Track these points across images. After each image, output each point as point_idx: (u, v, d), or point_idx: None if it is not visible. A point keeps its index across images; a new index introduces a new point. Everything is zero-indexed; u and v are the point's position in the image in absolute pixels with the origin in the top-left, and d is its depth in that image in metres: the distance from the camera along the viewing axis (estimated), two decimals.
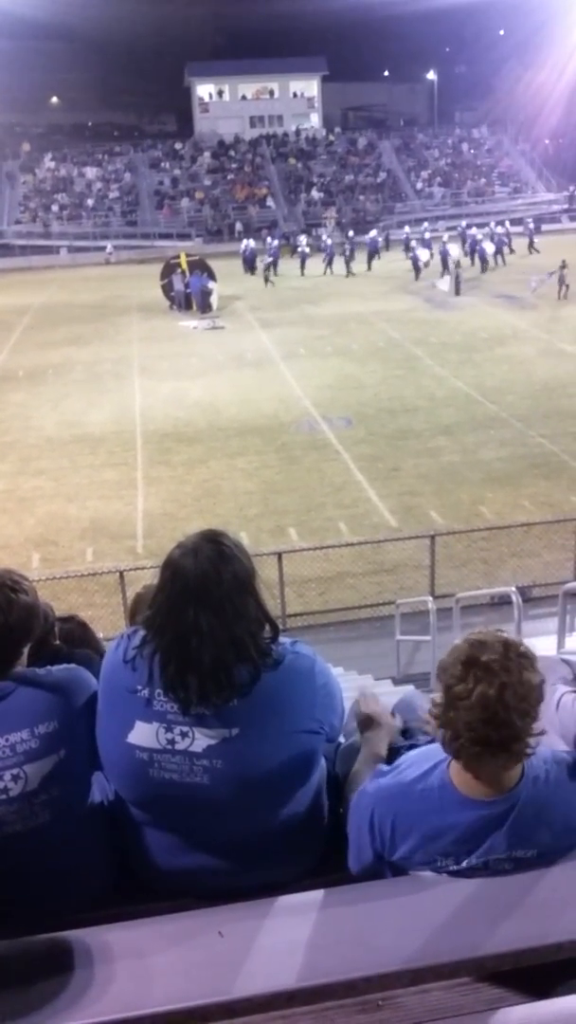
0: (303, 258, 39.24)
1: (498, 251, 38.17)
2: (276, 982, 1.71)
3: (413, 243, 39.26)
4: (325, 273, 38.34)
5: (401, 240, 42.10)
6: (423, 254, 37.29)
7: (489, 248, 37.62)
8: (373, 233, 41.92)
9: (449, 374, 21.81)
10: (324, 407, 19.62)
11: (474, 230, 40.79)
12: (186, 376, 22.95)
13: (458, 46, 68.11)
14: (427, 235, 40.90)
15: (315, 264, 39.06)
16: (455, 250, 37.02)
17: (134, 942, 1.81)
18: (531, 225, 43.49)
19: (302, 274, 38.51)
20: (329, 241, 40.75)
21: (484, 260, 37.21)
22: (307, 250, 39.56)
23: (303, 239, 41.72)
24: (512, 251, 40.41)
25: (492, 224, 42.84)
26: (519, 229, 44.42)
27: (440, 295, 32.66)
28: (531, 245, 40.95)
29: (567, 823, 1.98)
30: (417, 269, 36.32)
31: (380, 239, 41.23)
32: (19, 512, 14.70)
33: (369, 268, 38.73)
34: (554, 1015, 1.69)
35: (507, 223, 42.74)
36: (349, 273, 38.18)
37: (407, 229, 43.14)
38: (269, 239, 41.82)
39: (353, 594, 11.51)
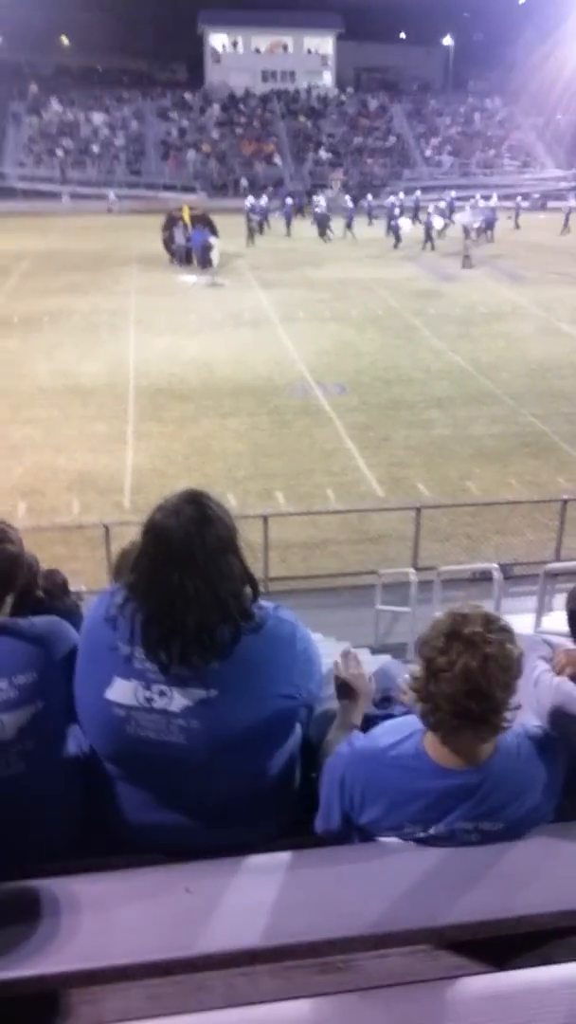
0: (321, 220, 38.58)
1: (488, 227, 37.69)
2: (240, 940, 1.73)
3: (397, 211, 38.39)
4: (345, 236, 38.02)
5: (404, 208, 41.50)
6: (405, 223, 36.89)
7: (437, 223, 36.66)
8: (391, 199, 41.37)
9: (446, 347, 21.69)
10: (319, 372, 19.50)
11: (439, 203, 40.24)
12: (183, 332, 22.73)
13: (477, 12, 66.64)
14: (442, 204, 40.17)
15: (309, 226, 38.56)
16: (439, 221, 36.66)
17: (101, 894, 1.83)
18: (519, 202, 43.13)
19: (322, 236, 37.96)
20: (351, 204, 40.14)
21: (428, 234, 35.95)
22: (325, 210, 39.01)
23: (322, 200, 41.13)
24: (518, 226, 40.12)
25: (477, 197, 42.23)
26: (527, 204, 44.04)
27: (443, 265, 32.42)
28: (516, 222, 40.96)
29: (535, 798, 2.01)
30: (398, 238, 35.98)
31: (397, 204, 40.57)
32: (7, 460, 14.59)
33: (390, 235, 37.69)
34: (512, 987, 1.72)
35: (495, 197, 42.11)
36: (346, 234, 37.93)
37: (417, 194, 42.63)
38: (288, 199, 41.02)
39: (336, 561, 11.53)
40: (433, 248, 35.19)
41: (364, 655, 7.84)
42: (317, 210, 39.38)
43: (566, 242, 37.88)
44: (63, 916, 1.75)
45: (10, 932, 1.71)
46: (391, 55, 71.88)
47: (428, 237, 35.38)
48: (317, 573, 11.19)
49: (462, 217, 37.15)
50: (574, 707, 2.18)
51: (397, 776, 2.00)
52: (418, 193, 43.02)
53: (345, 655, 2.45)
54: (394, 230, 36.43)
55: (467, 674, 1.84)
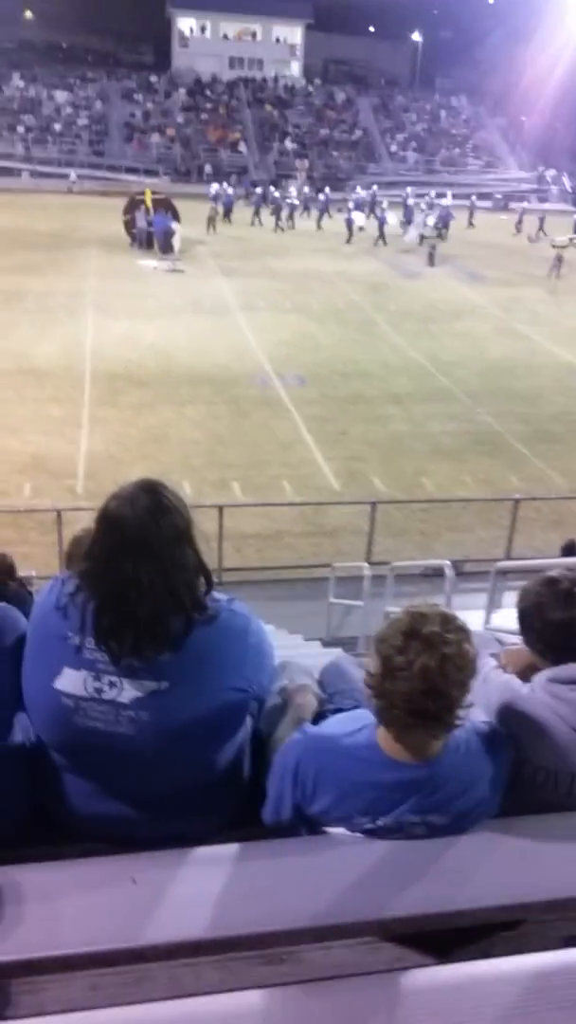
0: (291, 209, 38.52)
1: (444, 224, 37.96)
2: (184, 932, 1.73)
3: (351, 204, 38.55)
4: (319, 227, 38.21)
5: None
6: (358, 217, 36.90)
7: (357, 219, 36.86)
8: (375, 188, 41.12)
9: (405, 343, 21.82)
10: (278, 363, 19.49)
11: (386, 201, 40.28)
12: (141, 317, 22.55)
13: (446, 10, 66.83)
14: (409, 201, 39.98)
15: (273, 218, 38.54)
16: (392, 218, 36.80)
17: (45, 884, 1.81)
18: (474, 200, 43.43)
19: (290, 226, 37.98)
20: (323, 197, 40.07)
21: (350, 230, 36.22)
22: (295, 202, 38.90)
23: (292, 190, 41.00)
24: (472, 225, 40.50)
25: (432, 195, 42.50)
26: (488, 204, 44.33)
27: (404, 262, 32.57)
28: (471, 220, 41.34)
29: (482, 792, 2.04)
30: (351, 232, 36.03)
31: (366, 197, 40.47)
32: None
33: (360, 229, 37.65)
34: (454, 980, 1.75)
35: (449, 195, 42.42)
36: (319, 227, 37.99)
37: (374, 188, 42.76)
38: (258, 188, 40.85)
39: (290, 553, 11.56)
40: (385, 244, 35.30)
41: (315, 647, 7.88)
42: (288, 200, 39.25)
43: (525, 243, 38.30)
44: (6, 905, 1.73)
45: None
46: (359, 48, 71.81)
47: (381, 233, 35.52)
48: (271, 565, 11.21)
49: (409, 233, 37.07)
50: (521, 704, 2.21)
51: (350, 766, 2.02)
52: (375, 188, 42.98)
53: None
54: (347, 224, 36.44)
55: (425, 673, 1.85)
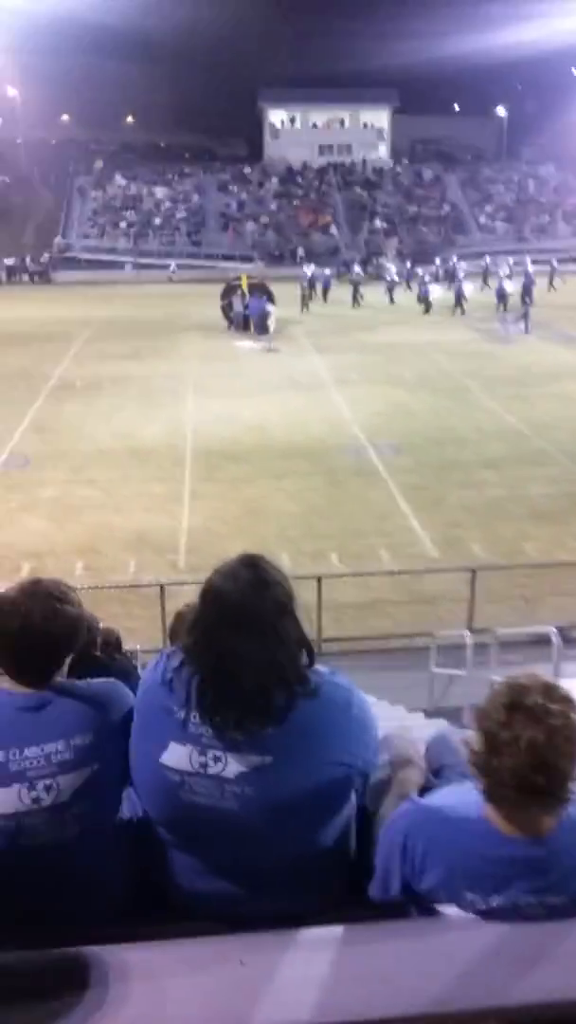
0: (391, 287, 39.26)
1: (526, 291, 37.78)
2: (293, 1016, 1.67)
3: (427, 277, 39.05)
4: (391, 302, 38.66)
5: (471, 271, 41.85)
6: (435, 289, 37.19)
7: (434, 291, 37.08)
8: (455, 259, 41.69)
9: (499, 407, 21.64)
10: (372, 433, 19.58)
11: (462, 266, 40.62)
12: (238, 396, 23.09)
13: (529, 83, 68.11)
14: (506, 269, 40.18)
15: (372, 293, 39.18)
16: (470, 288, 36.99)
17: (152, 963, 1.79)
18: (555, 264, 43.31)
19: (391, 302, 38.67)
20: (418, 272, 40.85)
21: (427, 302, 36.61)
22: (396, 279, 39.65)
23: (391, 267, 41.84)
24: (553, 288, 40.32)
25: (510, 261, 42.54)
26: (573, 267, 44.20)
27: (495, 329, 32.53)
28: (551, 283, 41.22)
29: None
30: (427, 304, 36.28)
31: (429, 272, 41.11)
32: (67, 520, 14.85)
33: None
34: None
35: (528, 261, 42.40)
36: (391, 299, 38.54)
37: (453, 259, 43.18)
38: (356, 268, 41.75)
39: (390, 623, 11.40)
40: (464, 313, 35.40)
41: (418, 719, 7.71)
42: (389, 278, 39.98)
43: None
44: (112, 985, 1.72)
45: (60, 1000, 1.68)
46: (445, 126, 73.54)
47: (459, 302, 35.71)
48: (371, 634, 11.09)
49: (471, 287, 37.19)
50: None
51: (459, 839, 1.95)
52: (454, 259, 43.42)
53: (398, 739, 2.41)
54: (422, 296, 36.77)
55: (533, 748, 1.79)
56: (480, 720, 1.89)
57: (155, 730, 2.07)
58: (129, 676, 2.78)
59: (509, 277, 38.39)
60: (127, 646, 5.64)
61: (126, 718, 2.19)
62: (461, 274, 38.98)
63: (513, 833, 1.90)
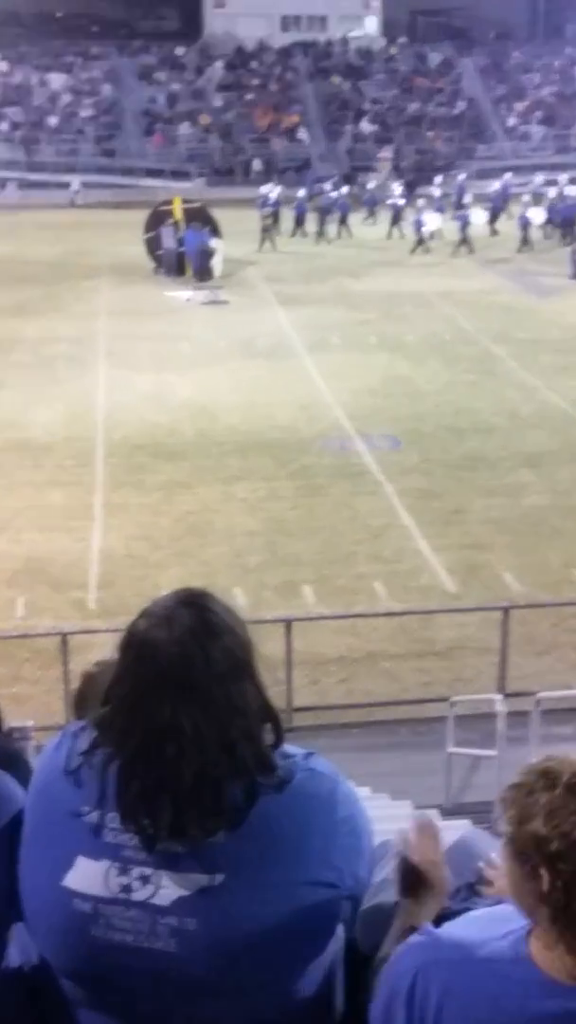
0: (396, 213, 39.70)
1: (566, 224, 38.32)
2: None
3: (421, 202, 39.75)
4: (389, 236, 39.13)
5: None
6: (431, 219, 37.72)
7: (430, 221, 37.78)
8: (462, 177, 42.30)
9: (539, 383, 21.88)
10: (362, 420, 19.69)
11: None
12: (171, 367, 23.13)
13: None
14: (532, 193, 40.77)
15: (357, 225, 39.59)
16: (478, 216, 37.92)
17: None
18: None
19: (390, 236, 39.29)
20: (404, 194, 41.43)
21: (418, 236, 37.31)
22: (401, 202, 40.15)
23: (396, 188, 42.23)
24: None
25: (537, 179, 43.64)
26: None
27: (532, 274, 32.89)
28: None
29: None
30: (420, 239, 36.97)
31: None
32: None
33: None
34: None
35: (564, 180, 43.02)
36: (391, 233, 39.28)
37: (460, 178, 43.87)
38: (329, 186, 42.17)
39: (389, 684, 11.47)
40: (471, 251, 35.93)
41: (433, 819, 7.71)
42: (390, 201, 40.52)
43: None
44: None
45: None
46: None
47: (464, 238, 36.35)
48: (362, 701, 11.11)
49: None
50: None
51: (489, 989, 1.93)
52: (462, 177, 44.18)
53: (423, 828, 2.40)
54: (415, 227, 37.39)
55: None
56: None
57: (56, 841, 2.06)
58: (16, 764, 2.75)
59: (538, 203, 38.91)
60: (13, 722, 5.59)
61: (11, 825, 2.17)
62: (468, 198, 39.39)
63: (566, 977, 1.90)
